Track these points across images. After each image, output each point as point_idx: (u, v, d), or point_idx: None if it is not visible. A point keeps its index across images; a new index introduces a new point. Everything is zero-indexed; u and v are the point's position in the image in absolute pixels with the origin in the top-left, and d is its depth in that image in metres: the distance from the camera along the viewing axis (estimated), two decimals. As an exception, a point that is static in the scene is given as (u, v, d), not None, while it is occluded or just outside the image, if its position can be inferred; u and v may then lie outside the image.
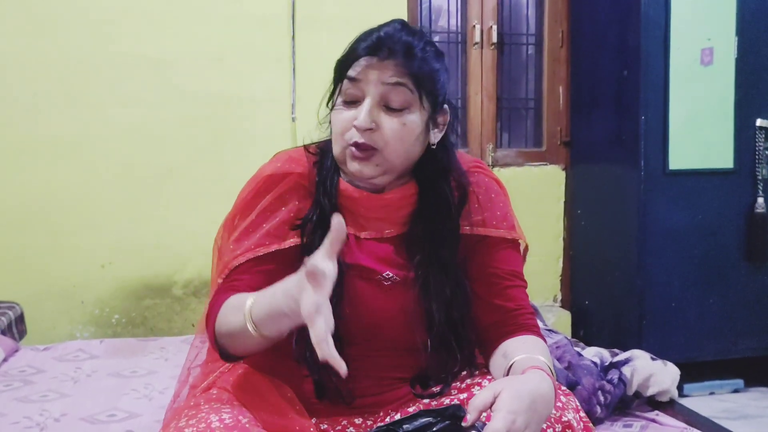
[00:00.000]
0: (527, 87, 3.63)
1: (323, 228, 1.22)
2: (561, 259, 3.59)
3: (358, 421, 1.24)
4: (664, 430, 1.73)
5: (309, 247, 1.22)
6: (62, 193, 2.93)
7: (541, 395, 1.02)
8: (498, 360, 1.23)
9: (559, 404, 1.11)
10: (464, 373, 1.27)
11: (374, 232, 1.27)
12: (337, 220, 1.01)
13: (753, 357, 3.17)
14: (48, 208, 2.92)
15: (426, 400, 1.22)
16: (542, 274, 3.53)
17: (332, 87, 1.24)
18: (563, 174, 3.57)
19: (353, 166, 1.21)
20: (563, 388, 1.21)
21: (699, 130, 3.04)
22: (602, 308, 3.35)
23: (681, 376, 1.94)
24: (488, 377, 1.25)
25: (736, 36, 3.03)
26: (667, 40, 2.98)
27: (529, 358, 1.15)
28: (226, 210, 1.33)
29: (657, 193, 3.03)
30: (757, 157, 3.08)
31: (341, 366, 0.94)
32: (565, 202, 3.57)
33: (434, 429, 1.01)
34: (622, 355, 1.95)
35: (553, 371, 1.14)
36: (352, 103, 1.21)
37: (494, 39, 3.47)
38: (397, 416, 1.20)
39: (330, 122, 1.26)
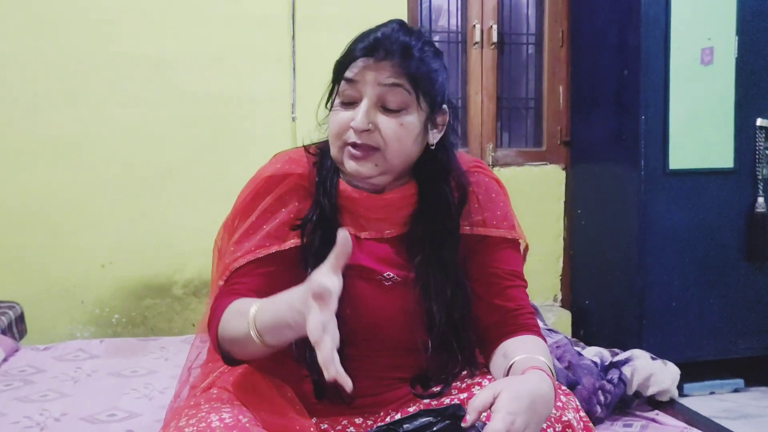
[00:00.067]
0: (527, 87, 3.63)
1: (323, 228, 1.23)
2: (561, 259, 3.59)
3: (358, 420, 1.24)
4: (664, 430, 1.73)
5: (309, 247, 1.22)
6: (62, 193, 2.93)
7: (541, 395, 1.02)
8: (498, 360, 1.23)
9: (559, 404, 1.11)
10: (464, 372, 1.27)
11: (374, 233, 1.27)
12: (342, 235, 1.00)
13: (753, 357, 3.17)
14: (48, 208, 2.92)
15: (426, 400, 1.23)
16: (542, 273, 3.53)
17: (330, 88, 1.24)
18: (563, 174, 3.57)
19: (351, 165, 1.21)
20: (563, 387, 1.21)
21: (699, 130, 3.04)
22: (602, 308, 3.35)
23: (681, 375, 1.94)
24: (488, 377, 1.25)
25: (737, 35, 3.03)
26: (667, 39, 2.98)
27: (529, 358, 1.15)
28: (226, 210, 1.33)
29: (657, 192, 3.03)
30: (757, 156, 3.08)
31: (347, 383, 0.94)
32: (565, 202, 3.57)
33: (434, 429, 1.01)
34: (622, 355, 1.95)
35: (553, 371, 1.14)
36: (350, 104, 1.21)
37: (494, 39, 3.47)
38: (398, 416, 1.20)
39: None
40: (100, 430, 1.68)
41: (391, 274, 1.25)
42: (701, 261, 3.08)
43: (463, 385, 1.24)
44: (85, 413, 1.77)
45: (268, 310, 1.09)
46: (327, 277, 0.98)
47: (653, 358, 1.93)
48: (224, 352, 1.20)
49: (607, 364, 1.89)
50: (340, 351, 0.96)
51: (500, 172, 3.37)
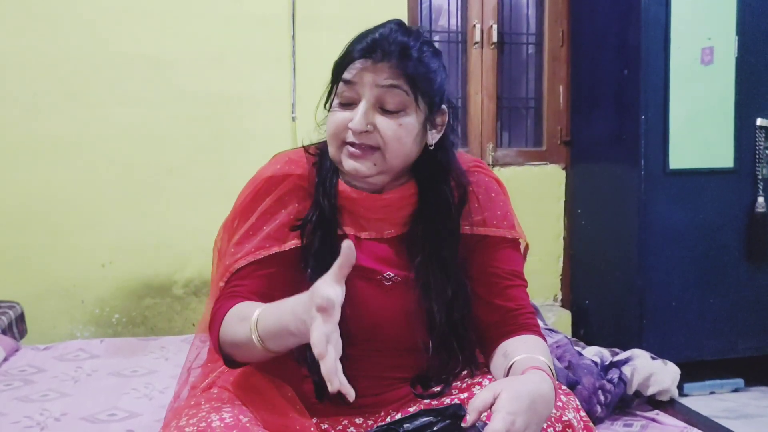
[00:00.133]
0: (527, 86, 3.63)
1: (323, 229, 1.23)
2: (561, 259, 3.59)
3: (358, 420, 1.24)
4: (665, 430, 1.73)
5: (309, 248, 1.22)
6: (62, 193, 2.93)
7: (541, 396, 1.02)
8: (498, 360, 1.23)
9: (559, 404, 1.11)
10: (465, 372, 1.27)
11: (374, 233, 1.27)
12: (346, 244, 1.00)
13: (753, 356, 3.17)
14: (48, 208, 2.92)
15: (426, 400, 1.22)
16: (542, 273, 3.53)
17: (329, 89, 1.24)
18: (563, 173, 3.57)
19: (349, 164, 1.21)
20: (563, 387, 1.21)
21: (699, 130, 3.04)
22: (602, 308, 3.35)
23: (681, 375, 1.94)
24: (489, 377, 1.25)
25: (737, 35, 3.03)
26: (667, 39, 2.98)
27: (530, 358, 1.15)
28: (227, 209, 1.33)
29: (657, 192, 3.03)
30: (757, 156, 3.08)
31: (350, 393, 0.94)
32: (566, 202, 3.57)
33: (434, 428, 1.01)
34: (623, 355, 1.95)
35: (554, 371, 1.14)
36: (348, 105, 1.20)
37: (494, 38, 3.47)
38: (398, 416, 1.20)
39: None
40: (100, 430, 1.68)
41: (392, 274, 1.25)
42: (701, 261, 3.08)
43: (464, 385, 1.24)
44: (86, 413, 1.77)
45: (271, 316, 1.09)
46: (330, 287, 0.98)
47: (653, 358, 1.93)
48: (225, 355, 1.20)
49: (607, 363, 1.89)
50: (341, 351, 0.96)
51: (500, 172, 3.37)
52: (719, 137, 3.06)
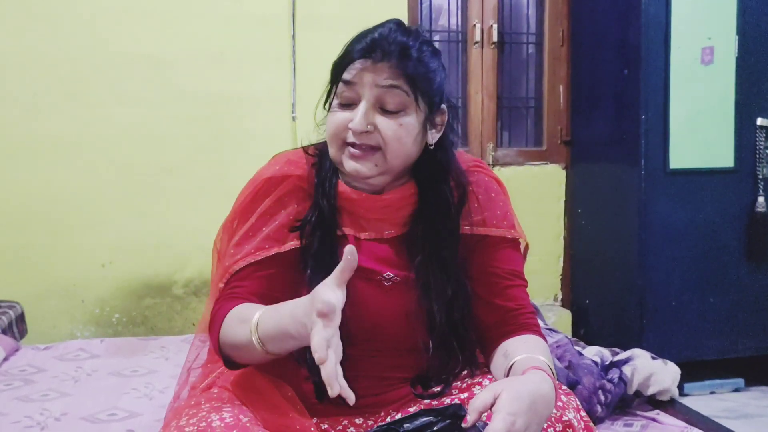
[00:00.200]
0: (528, 86, 3.63)
1: (322, 229, 1.23)
2: (561, 259, 3.59)
3: (358, 420, 1.24)
4: (665, 430, 1.73)
5: (308, 249, 1.22)
6: (62, 193, 2.93)
7: (542, 396, 1.02)
8: (498, 360, 1.23)
9: (559, 404, 1.11)
10: (465, 372, 1.27)
11: (374, 233, 1.27)
12: (349, 249, 1.00)
13: (753, 356, 3.17)
14: (48, 207, 2.92)
15: (427, 400, 1.22)
16: (543, 273, 3.53)
17: (328, 89, 1.24)
18: (564, 173, 3.57)
19: (350, 164, 1.21)
20: (564, 387, 1.21)
21: (699, 130, 3.04)
22: (603, 307, 3.35)
23: (681, 375, 1.94)
24: (489, 377, 1.25)
25: (737, 35, 3.03)
26: (667, 39, 2.98)
27: (530, 358, 1.14)
28: (227, 209, 1.33)
29: (657, 192, 3.03)
30: (757, 156, 3.08)
31: (350, 397, 0.95)
32: (566, 202, 3.57)
33: (435, 428, 1.01)
34: (623, 354, 1.95)
35: (554, 371, 1.14)
36: (348, 105, 1.20)
37: (495, 38, 3.47)
38: (398, 416, 1.20)
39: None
40: (100, 430, 1.68)
41: (391, 275, 1.25)
42: (701, 261, 3.08)
43: (464, 385, 1.24)
44: (86, 413, 1.77)
45: (271, 318, 1.09)
46: (332, 291, 0.98)
47: (653, 358, 1.93)
48: (225, 357, 1.20)
49: (607, 363, 1.89)
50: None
51: (500, 172, 3.37)
52: (719, 137, 3.06)
